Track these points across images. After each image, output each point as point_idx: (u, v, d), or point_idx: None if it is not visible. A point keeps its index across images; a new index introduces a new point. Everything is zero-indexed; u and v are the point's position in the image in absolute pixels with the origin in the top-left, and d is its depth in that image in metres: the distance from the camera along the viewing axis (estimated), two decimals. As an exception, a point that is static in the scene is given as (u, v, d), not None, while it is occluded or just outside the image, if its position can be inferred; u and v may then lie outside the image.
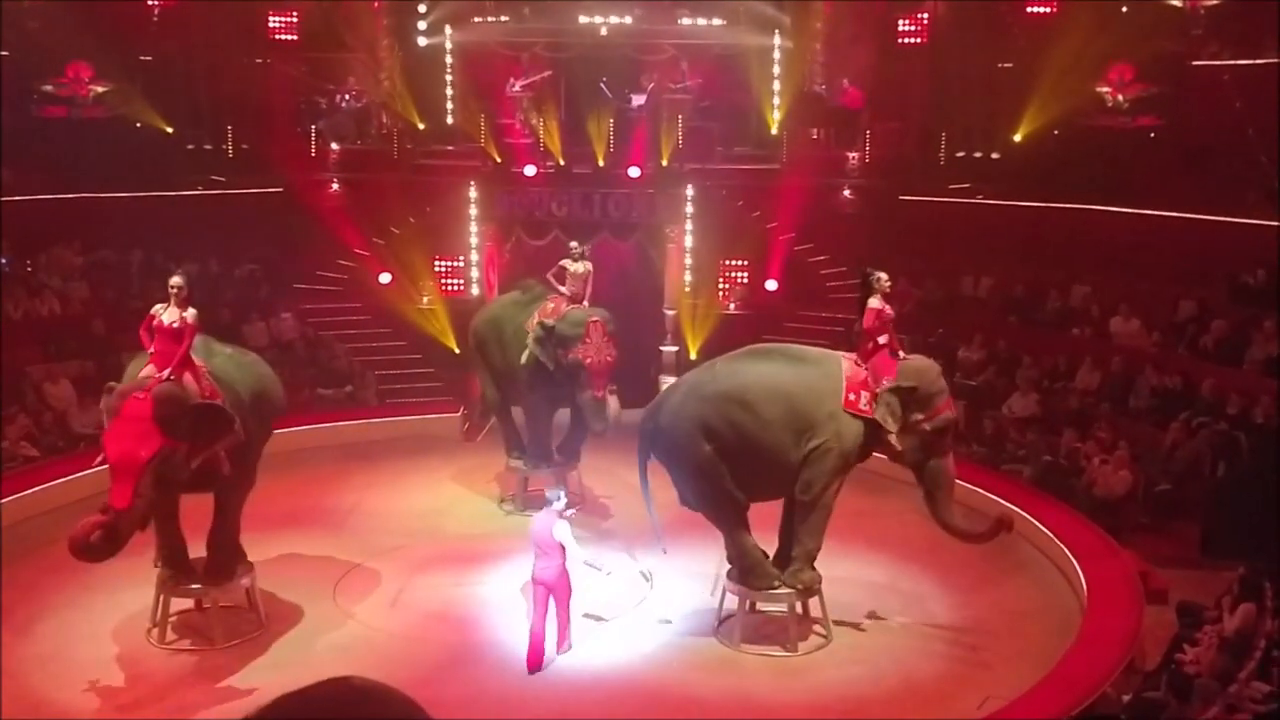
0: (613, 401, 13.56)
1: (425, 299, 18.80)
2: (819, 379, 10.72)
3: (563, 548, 10.29)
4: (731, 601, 11.28)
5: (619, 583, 12.19)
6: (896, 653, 10.98)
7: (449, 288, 19.04)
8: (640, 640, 11.24)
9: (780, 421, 10.58)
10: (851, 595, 11.87)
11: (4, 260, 17.11)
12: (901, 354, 10.96)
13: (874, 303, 10.85)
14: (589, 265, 14.09)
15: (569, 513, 10.67)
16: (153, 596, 11.03)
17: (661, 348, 18.26)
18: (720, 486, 10.81)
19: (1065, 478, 14.12)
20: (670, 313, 18.33)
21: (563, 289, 13.93)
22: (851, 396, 10.56)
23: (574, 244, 14.41)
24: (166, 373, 9.97)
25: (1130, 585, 11.49)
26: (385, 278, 18.61)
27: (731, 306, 18.71)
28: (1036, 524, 13.20)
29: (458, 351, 18.46)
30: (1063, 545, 12.54)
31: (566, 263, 14.08)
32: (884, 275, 11.00)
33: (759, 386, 10.69)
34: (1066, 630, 10.95)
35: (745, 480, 10.79)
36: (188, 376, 10.10)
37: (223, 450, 10.21)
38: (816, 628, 11.28)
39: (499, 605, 11.96)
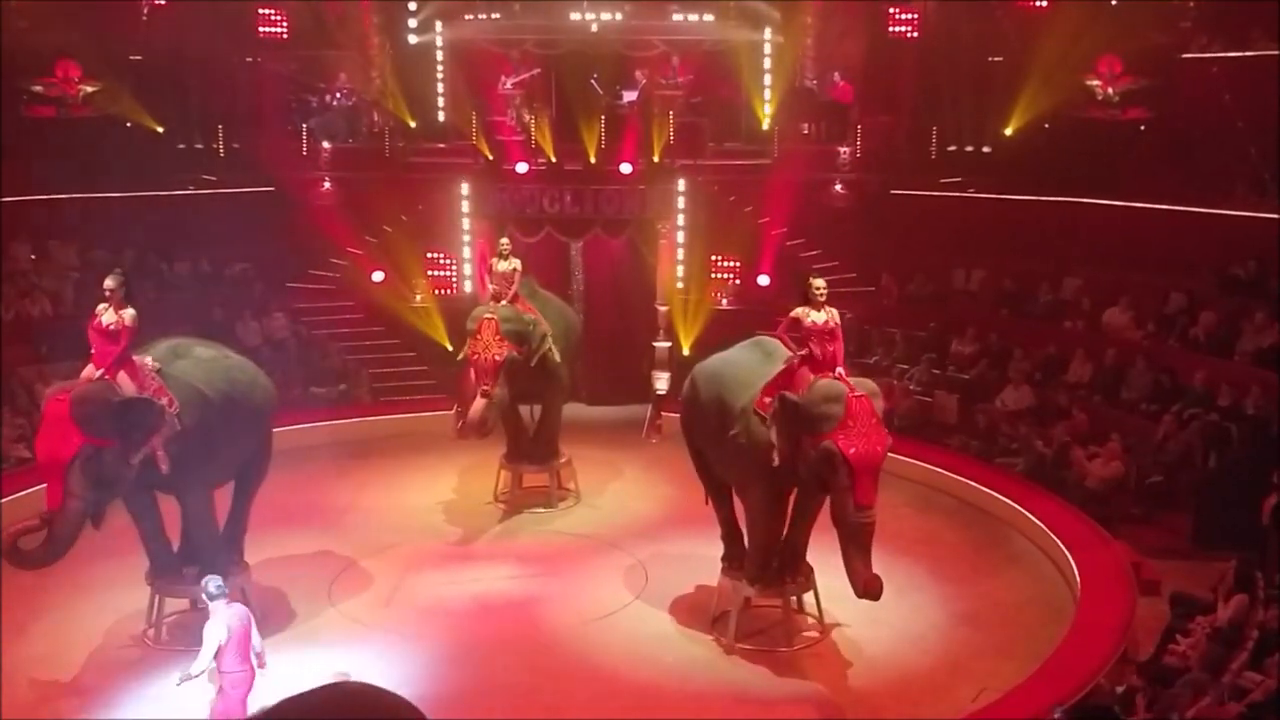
0: (478, 404, 13.48)
1: (418, 297, 18.80)
2: (757, 375, 10.65)
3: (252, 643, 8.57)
4: (727, 596, 11.32)
5: (616, 579, 12.28)
6: (890, 646, 11.01)
7: (441, 285, 19.05)
8: (636, 635, 11.28)
9: (712, 404, 11.06)
10: (845, 589, 11.85)
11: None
12: (840, 370, 10.15)
13: (796, 311, 10.43)
14: (516, 263, 14.07)
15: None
16: (148, 598, 11.04)
17: (654, 343, 18.29)
18: (693, 453, 11.73)
19: (1057, 469, 14.18)
20: (662, 308, 18.35)
21: (490, 287, 14.07)
22: (767, 400, 10.28)
23: (503, 241, 14.42)
24: (99, 373, 9.98)
25: (1123, 576, 11.55)
26: (378, 276, 18.61)
27: (724, 302, 18.74)
28: (1029, 516, 13.27)
29: (450, 349, 18.50)
30: (1055, 537, 12.60)
31: (494, 260, 14.18)
32: (821, 283, 10.42)
33: (710, 368, 11.41)
34: (1060, 621, 11.01)
35: (709, 456, 11.39)
36: (124, 376, 10.05)
37: (159, 446, 10.05)
38: (811, 622, 11.33)
39: (494, 602, 12.02)
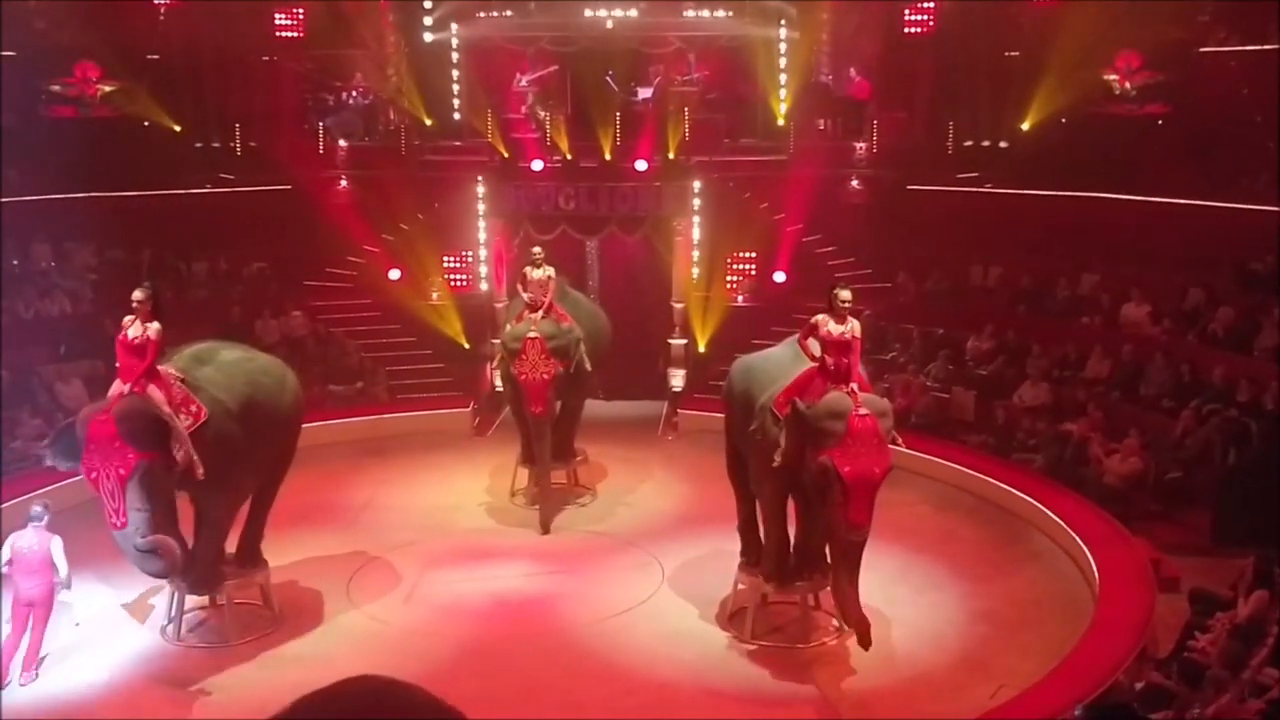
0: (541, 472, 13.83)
1: (434, 295, 18.85)
2: (783, 374, 10.59)
3: (53, 566, 9.92)
4: (744, 593, 11.31)
5: (632, 576, 12.29)
6: (908, 643, 10.97)
7: (458, 283, 19.09)
8: (652, 632, 11.28)
9: (741, 397, 11.11)
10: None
11: (15, 262, 17.19)
12: (854, 385, 10.03)
13: (816, 317, 10.31)
14: (550, 271, 13.93)
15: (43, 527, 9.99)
16: (167, 594, 11.10)
17: (670, 341, 18.29)
18: (729, 448, 11.66)
19: (1076, 466, 14.12)
20: (678, 306, 18.34)
21: (525, 296, 13.92)
22: (782, 400, 10.22)
23: (535, 250, 14.31)
24: (127, 388, 9.95)
25: (1142, 573, 11.48)
26: (394, 274, 18.67)
27: (740, 299, 18.73)
28: (1048, 513, 13.21)
29: (467, 347, 18.55)
30: (1074, 534, 12.54)
31: (527, 269, 14.04)
32: (847, 295, 10.16)
33: (746, 363, 11.45)
34: (1079, 619, 10.95)
35: (740, 450, 11.30)
36: (153, 389, 9.99)
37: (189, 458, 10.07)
38: (828, 620, 11.30)
39: (512, 599, 12.04)
